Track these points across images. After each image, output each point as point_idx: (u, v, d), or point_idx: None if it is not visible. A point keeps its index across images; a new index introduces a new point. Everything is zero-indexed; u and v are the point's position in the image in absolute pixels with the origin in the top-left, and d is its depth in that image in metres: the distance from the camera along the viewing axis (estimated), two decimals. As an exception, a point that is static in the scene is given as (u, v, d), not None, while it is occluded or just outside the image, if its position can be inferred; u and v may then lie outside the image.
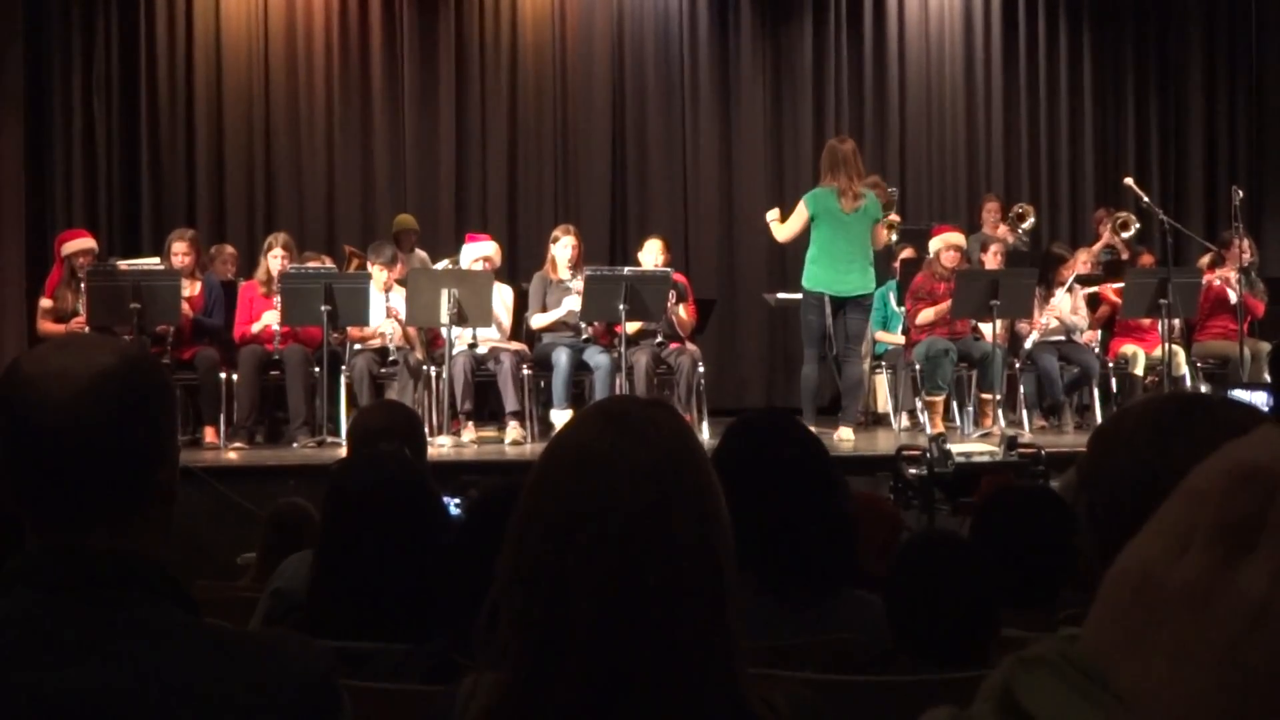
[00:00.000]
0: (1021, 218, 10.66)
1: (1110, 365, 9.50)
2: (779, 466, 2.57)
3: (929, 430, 8.38)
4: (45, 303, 8.45)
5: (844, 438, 8.37)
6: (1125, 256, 10.41)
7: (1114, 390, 9.51)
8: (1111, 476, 1.47)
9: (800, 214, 8.47)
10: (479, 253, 8.76)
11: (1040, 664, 0.59)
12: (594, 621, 1.32)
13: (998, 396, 8.96)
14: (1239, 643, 0.56)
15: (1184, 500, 0.60)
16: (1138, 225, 10.60)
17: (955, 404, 9.33)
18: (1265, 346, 8.84)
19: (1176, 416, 1.46)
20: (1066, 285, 9.44)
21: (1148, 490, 1.41)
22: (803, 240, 8.58)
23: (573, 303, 8.54)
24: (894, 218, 9.98)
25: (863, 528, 2.79)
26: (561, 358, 8.41)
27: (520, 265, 10.73)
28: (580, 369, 8.52)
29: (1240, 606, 0.56)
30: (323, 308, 8.06)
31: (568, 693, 1.33)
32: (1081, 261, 9.87)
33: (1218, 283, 9.60)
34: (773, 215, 8.82)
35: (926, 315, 8.97)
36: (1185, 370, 9.39)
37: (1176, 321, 9.24)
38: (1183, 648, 0.57)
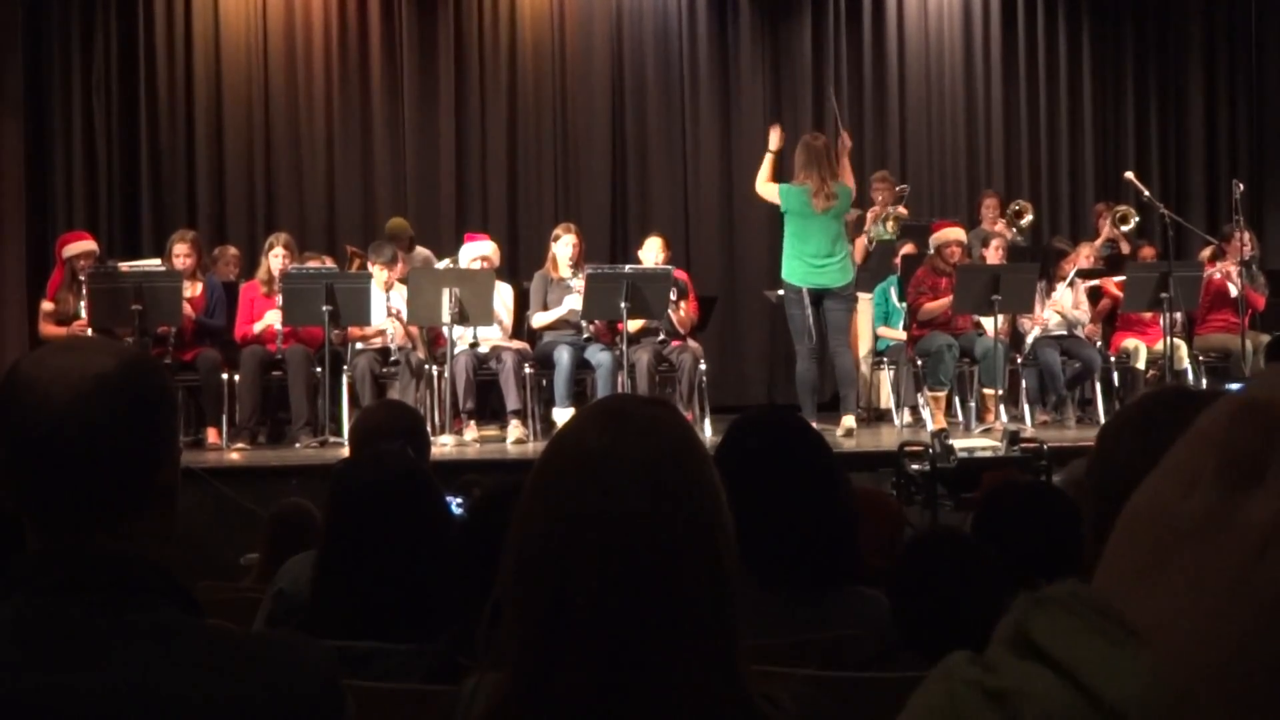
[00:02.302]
0: (1020, 214, 10.65)
1: (1112, 359, 9.49)
2: (781, 463, 2.57)
3: (931, 426, 8.38)
4: (46, 305, 8.45)
5: (848, 426, 8.38)
6: (1126, 250, 10.41)
7: (1116, 385, 9.50)
8: (1105, 468, 1.48)
9: (775, 193, 8.50)
10: (477, 252, 8.77)
11: (1052, 602, 0.60)
12: (597, 621, 1.33)
13: (1000, 392, 8.96)
14: (1248, 572, 0.57)
15: (1191, 441, 0.62)
16: (1137, 219, 10.60)
17: (957, 399, 9.33)
18: (1266, 339, 8.85)
19: (1168, 410, 1.46)
20: (1068, 280, 9.44)
21: (1134, 483, 1.41)
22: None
23: (574, 301, 8.54)
24: (902, 210, 9.98)
25: (865, 524, 2.79)
26: (563, 356, 8.41)
27: (521, 264, 10.73)
28: (582, 367, 8.52)
29: (1248, 537, 0.57)
30: (324, 308, 8.06)
31: (571, 692, 1.33)
32: (1084, 256, 9.87)
33: (1218, 276, 9.59)
34: (768, 161, 8.74)
35: (928, 310, 8.97)
36: (1187, 364, 9.39)
37: (1178, 315, 9.23)
38: (1194, 579, 0.58)
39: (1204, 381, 9.18)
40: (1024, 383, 9.35)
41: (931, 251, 9.18)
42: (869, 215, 9.68)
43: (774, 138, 8.74)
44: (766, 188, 8.61)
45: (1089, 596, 0.60)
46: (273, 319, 8.40)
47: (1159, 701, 0.56)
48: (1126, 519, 0.62)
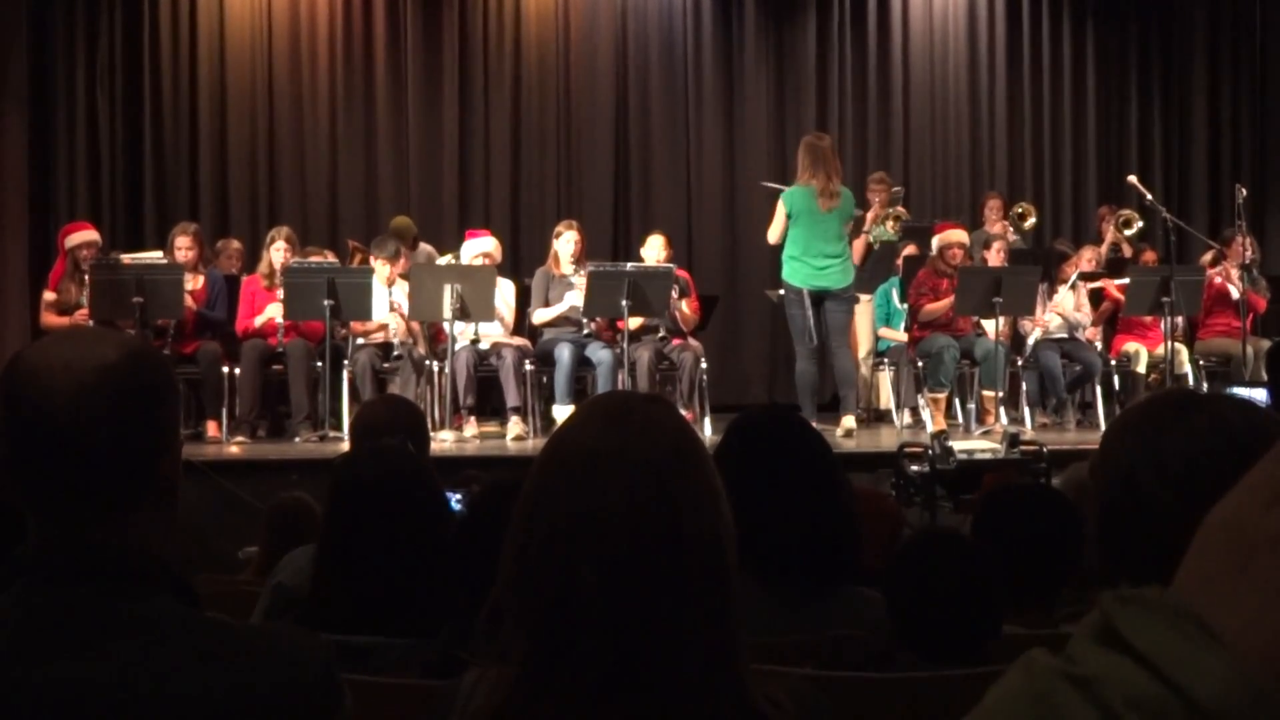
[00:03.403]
0: (1023, 217, 10.65)
1: (1113, 363, 9.49)
2: (781, 463, 2.58)
3: (931, 427, 8.38)
4: (49, 295, 8.46)
5: (847, 426, 8.38)
6: (1128, 254, 10.41)
7: (1116, 388, 9.50)
8: (1109, 469, 1.48)
9: (781, 213, 8.47)
10: (478, 249, 8.77)
11: (1137, 602, 0.62)
12: (600, 618, 1.33)
13: (1000, 394, 8.96)
14: None
15: (1274, 460, 0.64)
16: (1140, 223, 10.59)
17: (957, 401, 9.33)
18: (1268, 345, 8.83)
19: (1172, 412, 1.47)
20: (1069, 282, 9.44)
21: (1137, 485, 1.41)
22: None
23: (575, 298, 8.54)
24: (900, 210, 9.98)
25: (864, 525, 2.79)
26: (564, 353, 8.41)
27: (523, 260, 10.73)
28: (582, 364, 8.52)
29: None
30: (325, 302, 8.06)
31: (574, 688, 1.33)
32: (1087, 259, 9.87)
33: (1219, 279, 9.59)
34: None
35: (929, 311, 8.96)
36: (1188, 368, 9.39)
37: (1179, 319, 9.23)
38: (1273, 588, 0.60)
39: (1204, 386, 9.17)
40: (1024, 385, 9.34)
41: (933, 253, 9.17)
42: (868, 217, 9.68)
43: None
44: (773, 229, 8.54)
45: (1171, 599, 0.62)
46: (274, 312, 8.40)
47: (1240, 700, 0.58)
48: (1209, 529, 0.64)
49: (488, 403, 9.12)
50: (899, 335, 9.37)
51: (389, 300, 8.63)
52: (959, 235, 9.21)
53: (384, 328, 8.62)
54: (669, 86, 11.81)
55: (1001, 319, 8.81)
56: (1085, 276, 9.65)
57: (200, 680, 1.37)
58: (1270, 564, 0.60)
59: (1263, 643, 0.59)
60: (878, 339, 9.64)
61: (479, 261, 8.66)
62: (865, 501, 3.39)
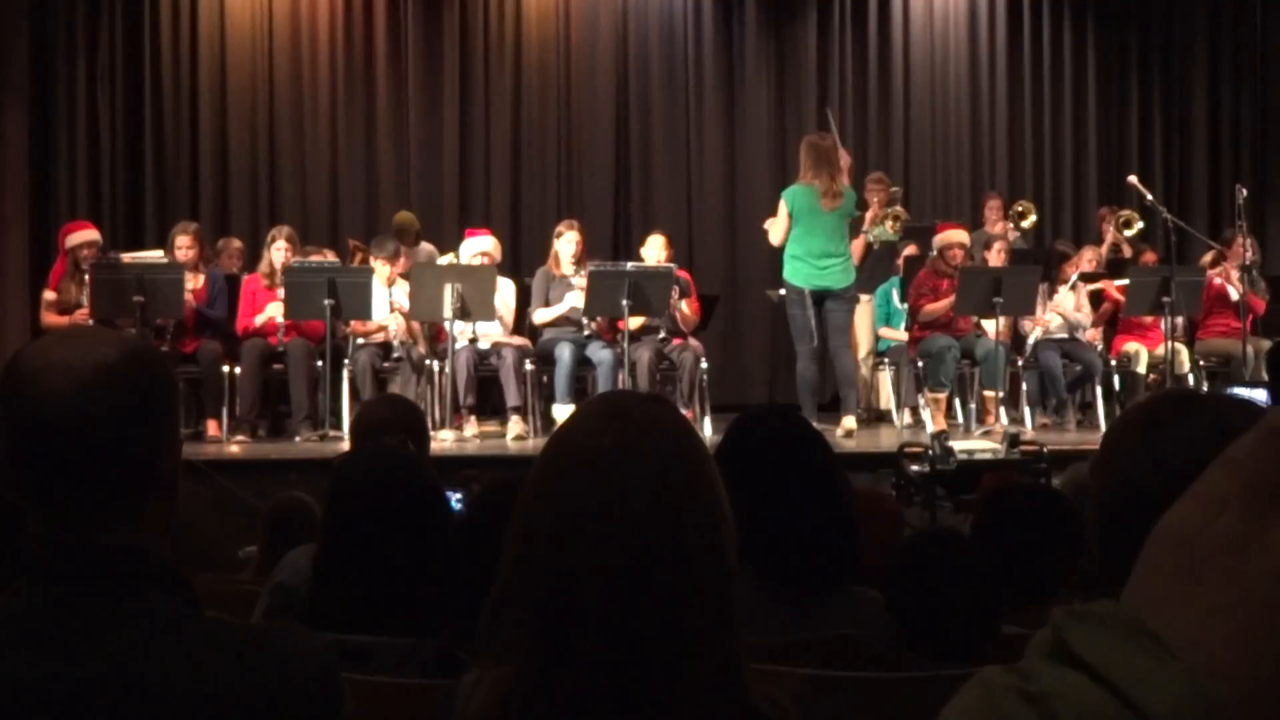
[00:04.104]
0: (1022, 215, 10.64)
1: (1113, 363, 9.49)
2: (782, 463, 2.57)
3: (931, 427, 8.37)
4: (49, 295, 8.45)
5: (848, 427, 8.37)
6: (1128, 254, 10.41)
7: (1116, 388, 9.50)
8: (1110, 470, 1.48)
9: (783, 213, 8.47)
10: (478, 248, 8.77)
11: (1089, 616, 0.63)
12: (600, 618, 1.33)
13: (1000, 394, 8.96)
14: (1274, 591, 0.60)
15: (1221, 467, 0.64)
16: (1140, 224, 10.59)
17: (958, 401, 9.33)
18: (1268, 345, 8.83)
19: (1172, 412, 1.47)
20: (1070, 283, 9.44)
21: (1137, 484, 1.41)
22: None
23: (575, 298, 8.54)
24: (900, 210, 9.98)
25: (864, 525, 2.78)
26: (564, 353, 8.41)
27: (523, 260, 10.73)
28: (583, 364, 8.52)
29: (1274, 557, 0.60)
30: (326, 301, 8.06)
31: (574, 688, 1.33)
32: (1087, 259, 9.87)
33: (1218, 280, 9.59)
34: (769, 224, 8.83)
35: (929, 311, 8.96)
36: (1188, 369, 9.39)
37: (1179, 320, 9.23)
38: (1222, 597, 0.60)
39: (1205, 386, 9.17)
40: (1024, 385, 9.34)
41: (934, 253, 9.17)
42: (867, 217, 9.68)
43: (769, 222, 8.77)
44: (776, 229, 8.53)
45: (1123, 612, 0.62)
46: (274, 311, 8.40)
47: (1193, 712, 0.58)
48: (1156, 540, 0.64)
49: (488, 402, 9.12)
50: (899, 335, 9.37)
51: (389, 300, 8.63)
52: (959, 235, 9.21)
53: (384, 328, 8.62)
54: (669, 86, 11.81)
55: (1002, 319, 8.81)
56: (1085, 277, 9.65)
57: (200, 679, 1.37)
58: (1220, 574, 0.60)
59: (1214, 654, 0.59)
60: (878, 339, 9.64)
61: (478, 261, 8.65)
62: (865, 501, 3.39)
